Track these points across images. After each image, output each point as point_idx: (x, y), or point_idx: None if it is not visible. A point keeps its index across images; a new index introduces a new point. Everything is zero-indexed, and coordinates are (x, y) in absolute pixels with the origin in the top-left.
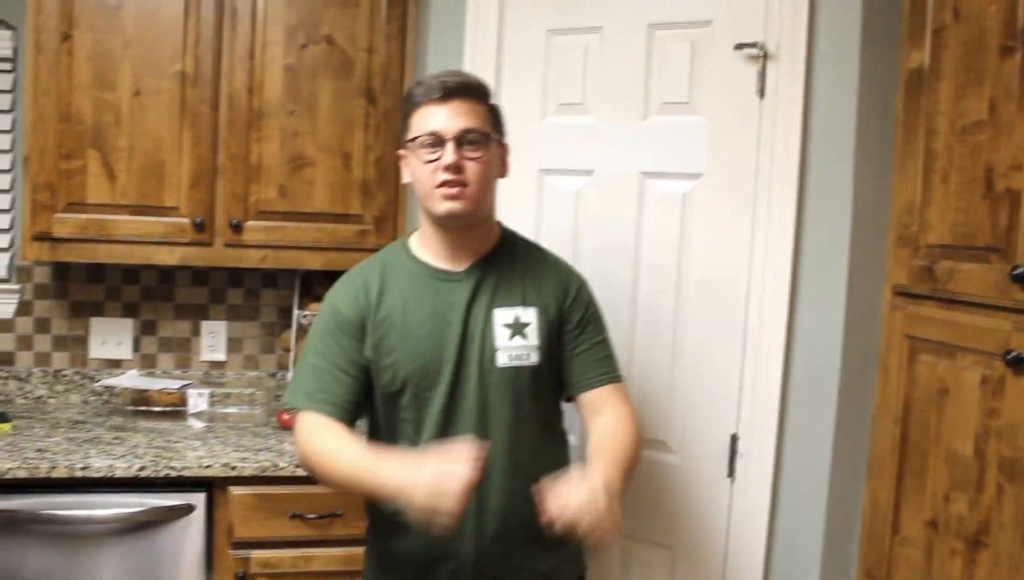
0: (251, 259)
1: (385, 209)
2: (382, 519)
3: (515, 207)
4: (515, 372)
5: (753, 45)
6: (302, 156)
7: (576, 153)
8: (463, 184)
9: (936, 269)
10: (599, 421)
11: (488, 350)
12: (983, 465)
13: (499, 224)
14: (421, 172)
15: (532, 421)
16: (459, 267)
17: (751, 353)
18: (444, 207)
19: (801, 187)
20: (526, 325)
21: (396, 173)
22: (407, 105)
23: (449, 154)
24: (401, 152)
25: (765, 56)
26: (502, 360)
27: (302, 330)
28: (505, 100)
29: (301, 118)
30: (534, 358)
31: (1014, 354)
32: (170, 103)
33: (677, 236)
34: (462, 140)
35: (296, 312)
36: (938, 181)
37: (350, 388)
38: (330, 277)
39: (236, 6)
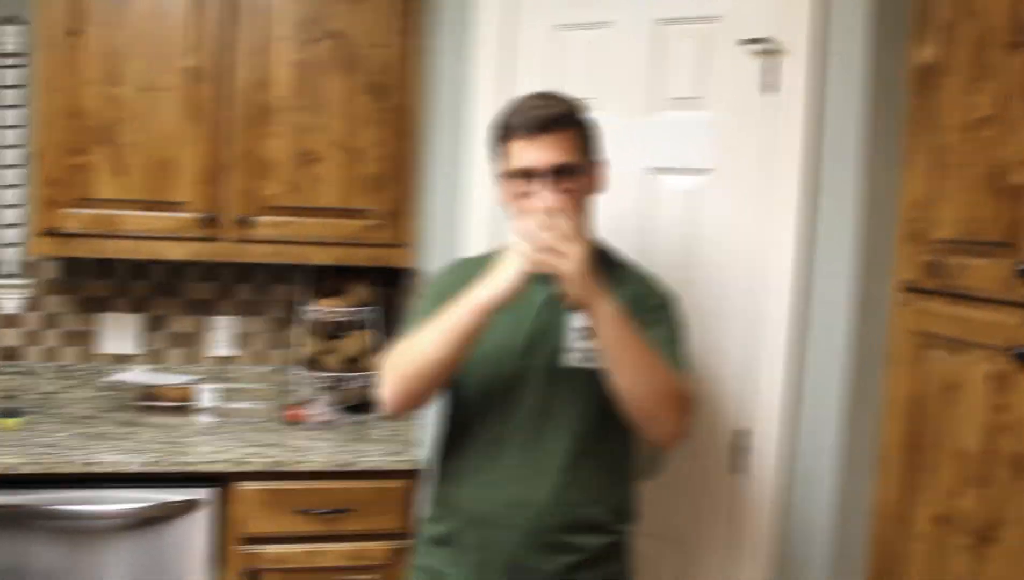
0: (259, 254)
1: (394, 204)
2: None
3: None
4: (584, 375)
5: (761, 40)
6: (311, 152)
7: None
8: None
9: (944, 264)
10: None
11: (558, 350)
12: (991, 460)
13: (595, 239)
14: (516, 203)
15: (599, 432)
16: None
17: (759, 348)
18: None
19: (809, 183)
20: None
21: (405, 168)
22: (502, 131)
23: (547, 195)
24: (498, 177)
25: (773, 51)
26: (573, 360)
27: (310, 325)
28: (514, 96)
29: (310, 113)
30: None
31: (1022, 349)
32: (179, 99)
33: (685, 232)
34: (556, 172)
35: (305, 307)
36: (946, 176)
37: None
38: (339, 272)
39: (244, 1)
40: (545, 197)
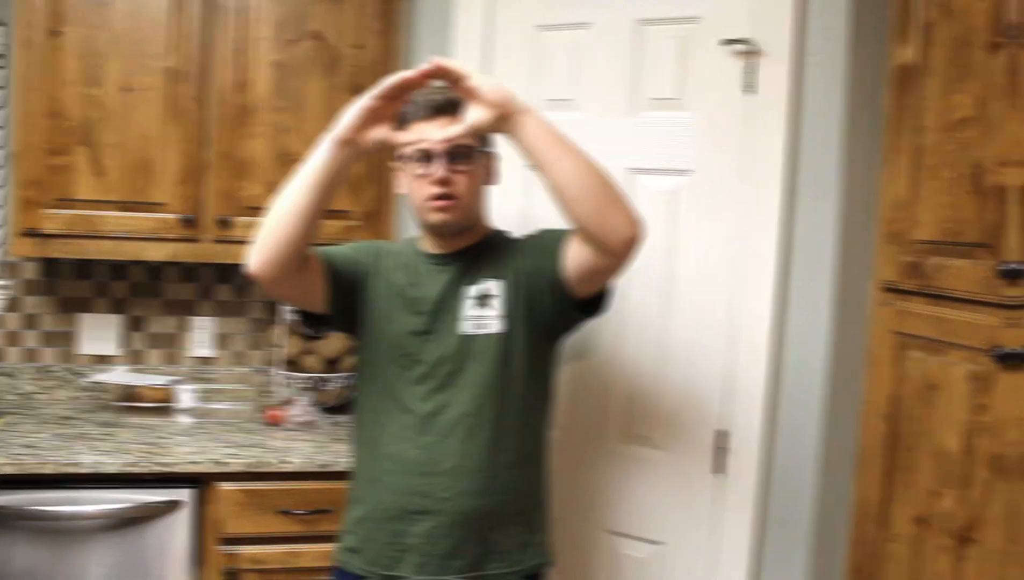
0: (239, 255)
1: (373, 205)
2: (365, 467)
3: (503, 204)
4: (477, 340)
5: (741, 41)
6: (290, 152)
7: None
8: (452, 197)
9: (924, 265)
10: None
11: (457, 320)
12: (971, 461)
13: (488, 226)
14: (413, 186)
15: (501, 392)
16: (435, 251)
17: (739, 349)
18: (436, 218)
19: (789, 183)
20: (490, 297)
21: (384, 169)
22: (400, 123)
23: (439, 169)
24: (393, 164)
25: (754, 52)
26: (464, 328)
27: (290, 326)
28: None
29: (289, 114)
30: (495, 327)
31: (1002, 350)
32: (158, 99)
33: (665, 232)
34: (451, 155)
35: (284, 308)
36: (927, 177)
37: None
38: None
39: (224, 2)
40: (436, 172)
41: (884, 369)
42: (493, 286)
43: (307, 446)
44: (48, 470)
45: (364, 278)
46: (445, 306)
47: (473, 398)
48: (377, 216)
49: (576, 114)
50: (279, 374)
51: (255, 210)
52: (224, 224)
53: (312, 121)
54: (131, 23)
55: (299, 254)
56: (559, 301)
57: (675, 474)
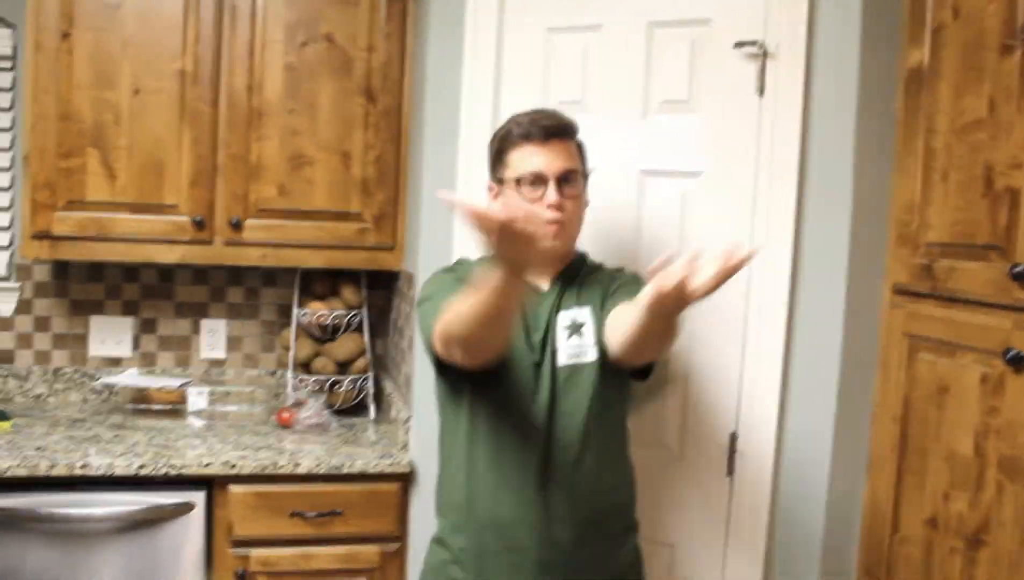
0: (251, 257)
1: (384, 208)
2: (451, 511)
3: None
4: (576, 369)
5: (753, 43)
6: (302, 155)
7: None
8: (563, 222)
9: (936, 267)
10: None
11: (552, 351)
12: (983, 463)
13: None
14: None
15: (602, 422)
16: (543, 282)
17: (751, 351)
18: (547, 244)
19: (800, 186)
20: (582, 325)
21: (395, 172)
22: (503, 142)
23: (552, 194)
24: (492, 185)
25: (765, 54)
26: (562, 359)
27: (301, 329)
28: (505, 99)
29: (301, 117)
30: (591, 355)
31: (1014, 352)
32: (170, 102)
33: (676, 235)
34: (562, 180)
35: (296, 310)
36: (938, 179)
37: None
38: (330, 275)
39: (236, 4)
40: (550, 197)
41: (896, 372)
42: (584, 313)
43: (318, 448)
44: (59, 473)
45: None
46: (549, 335)
47: (578, 428)
48: (388, 219)
49: (587, 116)
50: (290, 376)
51: (266, 213)
52: (236, 226)
53: (323, 123)
54: (142, 26)
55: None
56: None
57: (689, 477)
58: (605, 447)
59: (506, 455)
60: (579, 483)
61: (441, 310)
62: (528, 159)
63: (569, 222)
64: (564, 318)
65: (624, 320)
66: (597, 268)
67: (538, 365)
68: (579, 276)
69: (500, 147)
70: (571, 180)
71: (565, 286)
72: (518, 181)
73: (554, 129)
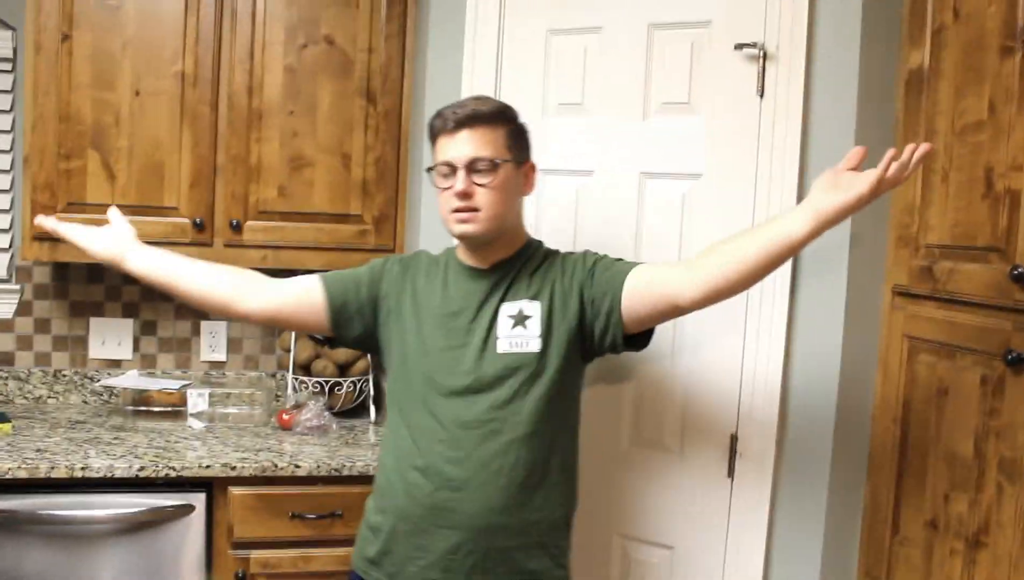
0: (251, 259)
1: (385, 209)
2: (393, 477)
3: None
4: (515, 358)
5: (753, 45)
6: (302, 156)
7: (576, 153)
8: (474, 209)
9: (936, 269)
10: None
11: (492, 337)
12: (983, 465)
13: (526, 235)
14: (439, 198)
15: (531, 413)
16: (480, 265)
17: (751, 353)
18: (458, 230)
19: (801, 187)
20: (528, 317)
21: (396, 173)
22: (429, 135)
23: (460, 182)
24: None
25: (765, 56)
26: (502, 347)
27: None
28: (505, 100)
29: (301, 118)
30: (534, 346)
31: (1014, 354)
32: (170, 103)
33: (677, 236)
34: (472, 168)
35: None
36: (938, 181)
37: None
38: None
39: (236, 6)
40: (457, 186)
41: (896, 373)
42: (531, 306)
43: (318, 450)
44: (60, 474)
45: (375, 301)
46: (479, 320)
47: (504, 415)
48: (388, 220)
49: (587, 118)
50: (290, 378)
51: (266, 214)
52: (236, 228)
53: (323, 125)
54: (142, 27)
55: None
56: (611, 334)
57: (689, 478)
58: (532, 446)
59: (417, 443)
60: (498, 479)
61: None
62: (441, 149)
63: (485, 209)
64: (511, 307)
65: (725, 259)
66: (551, 259)
67: (455, 348)
68: (529, 266)
69: (429, 140)
70: (483, 168)
71: (514, 275)
72: (431, 171)
73: (466, 118)
